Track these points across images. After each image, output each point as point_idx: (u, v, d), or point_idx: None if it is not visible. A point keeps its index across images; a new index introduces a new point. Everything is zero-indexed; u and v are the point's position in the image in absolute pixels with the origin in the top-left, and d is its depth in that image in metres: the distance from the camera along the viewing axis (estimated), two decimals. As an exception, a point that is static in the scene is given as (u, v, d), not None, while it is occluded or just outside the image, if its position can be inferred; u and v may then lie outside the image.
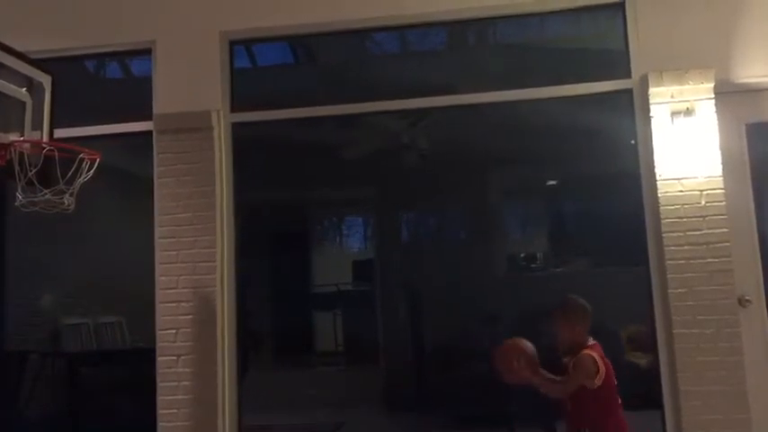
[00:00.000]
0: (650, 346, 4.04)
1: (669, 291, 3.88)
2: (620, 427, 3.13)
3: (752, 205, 4.01)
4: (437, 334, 6.84)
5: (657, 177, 3.96)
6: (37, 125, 3.26)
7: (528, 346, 3.14)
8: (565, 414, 3.16)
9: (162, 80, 4.46)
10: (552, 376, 3.14)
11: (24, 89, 3.22)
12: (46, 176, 3.07)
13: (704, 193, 3.90)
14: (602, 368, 3.07)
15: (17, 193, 3.07)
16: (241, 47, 4.77)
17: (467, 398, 5.42)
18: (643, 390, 3.57)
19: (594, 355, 3.09)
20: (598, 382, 3.05)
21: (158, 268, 4.29)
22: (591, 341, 3.15)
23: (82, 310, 6.29)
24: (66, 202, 3.10)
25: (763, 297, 3.95)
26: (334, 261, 9.32)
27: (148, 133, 4.44)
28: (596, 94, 4.26)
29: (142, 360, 4.52)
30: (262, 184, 6.52)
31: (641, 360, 4.31)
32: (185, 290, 4.22)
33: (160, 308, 4.26)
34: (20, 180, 3.01)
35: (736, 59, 4.02)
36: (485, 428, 5.21)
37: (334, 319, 8.56)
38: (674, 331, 3.85)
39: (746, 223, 3.99)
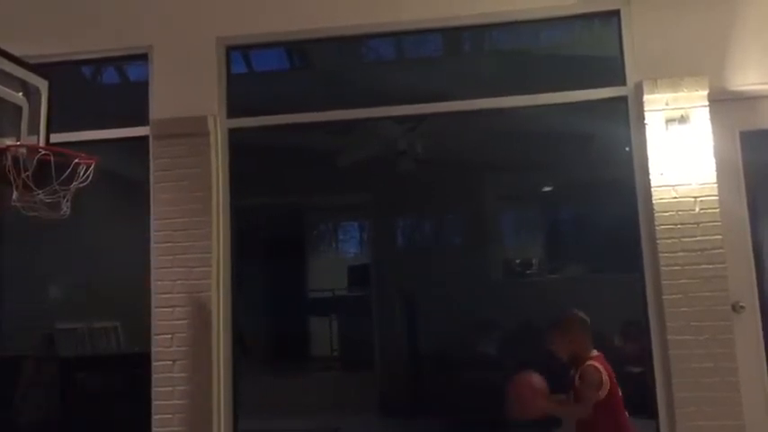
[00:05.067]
0: (644, 352, 4.05)
1: (663, 297, 3.89)
2: None
3: (746, 212, 4.02)
4: (433, 339, 6.83)
5: (652, 184, 3.97)
6: (33, 130, 3.26)
7: (537, 379, 3.12)
8: (574, 425, 3.13)
9: (159, 85, 4.46)
10: (563, 400, 3.13)
11: (21, 93, 3.23)
12: (42, 181, 3.07)
13: (698, 199, 3.91)
14: (606, 378, 3.06)
15: (12, 198, 3.07)
16: (238, 52, 4.78)
17: (463, 403, 5.42)
18: (637, 396, 3.57)
19: (597, 365, 3.08)
20: (603, 393, 3.04)
21: (154, 273, 4.28)
22: (594, 353, 3.14)
23: (77, 314, 6.28)
24: (63, 207, 3.09)
25: (757, 303, 3.97)
26: (330, 266, 9.32)
27: (145, 138, 4.45)
28: (591, 101, 4.27)
29: (137, 365, 4.51)
30: (258, 189, 6.52)
31: (635, 366, 4.31)
32: (181, 294, 4.22)
33: (155, 312, 4.26)
34: (15, 185, 3.01)
35: (731, 67, 4.04)
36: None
37: (330, 325, 8.55)
38: (668, 337, 3.86)
39: (740, 230, 4.00)
